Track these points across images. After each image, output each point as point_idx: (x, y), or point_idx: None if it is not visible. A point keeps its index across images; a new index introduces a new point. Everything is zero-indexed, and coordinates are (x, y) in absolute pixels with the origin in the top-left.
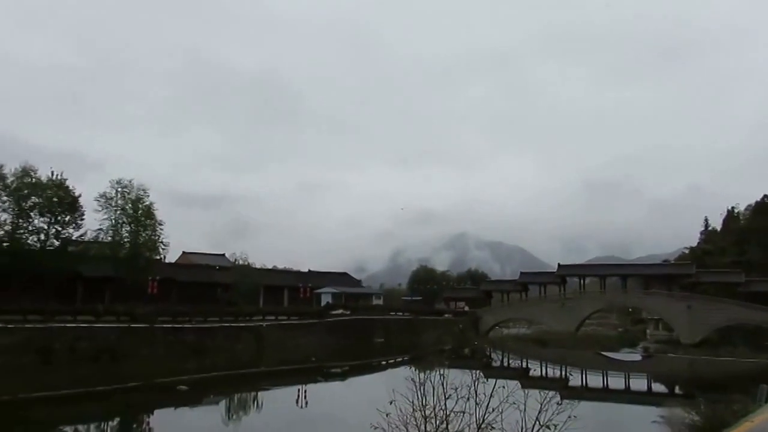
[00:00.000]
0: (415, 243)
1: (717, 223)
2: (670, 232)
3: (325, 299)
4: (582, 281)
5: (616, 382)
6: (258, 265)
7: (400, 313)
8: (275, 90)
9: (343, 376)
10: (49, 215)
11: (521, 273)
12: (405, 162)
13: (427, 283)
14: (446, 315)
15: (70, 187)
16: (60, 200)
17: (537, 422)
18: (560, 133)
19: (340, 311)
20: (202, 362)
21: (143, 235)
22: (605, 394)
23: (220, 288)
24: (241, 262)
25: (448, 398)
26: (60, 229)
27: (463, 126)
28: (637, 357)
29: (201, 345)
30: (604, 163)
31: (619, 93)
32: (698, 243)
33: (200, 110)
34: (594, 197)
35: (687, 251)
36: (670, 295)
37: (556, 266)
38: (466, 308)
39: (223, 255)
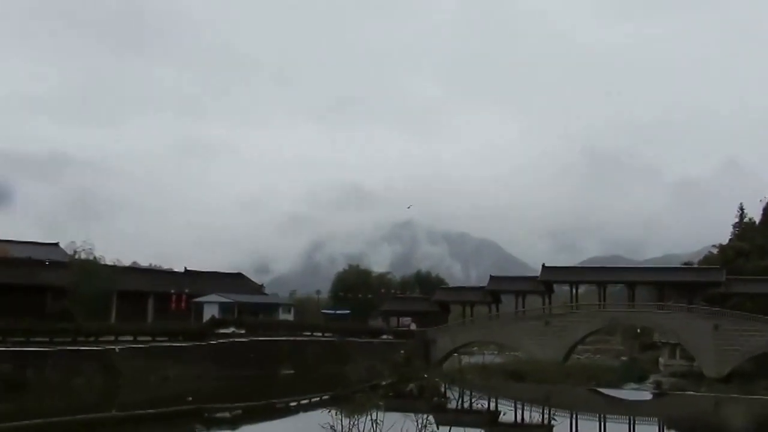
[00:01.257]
0: (341, 233)
1: (756, 213)
2: (694, 224)
3: (210, 312)
4: (574, 290)
5: (618, 430)
6: (110, 261)
7: (319, 334)
8: (139, 5)
9: (233, 425)
10: None
11: (491, 278)
12: (330, 118)
13: (358, 290)
14: (384, 336)
15: None
16: None
17: None
18: (551, 85)
19: (231, 330)
20: (20, 404)
21: None
22: None
23: (50, 293)
24: (83, 257)
25: None
26: None
27: (414, 68)
28: (647, 395)
29: (19, 378)
30: (609, 128)
31: (633, 29)
32: (730, 239)
33: (25, 33)
34: (594, 176)
35: (715, 251)
36: (692, 311)
37: (540, 269)
38: (413, 326)
39: (57, 245)
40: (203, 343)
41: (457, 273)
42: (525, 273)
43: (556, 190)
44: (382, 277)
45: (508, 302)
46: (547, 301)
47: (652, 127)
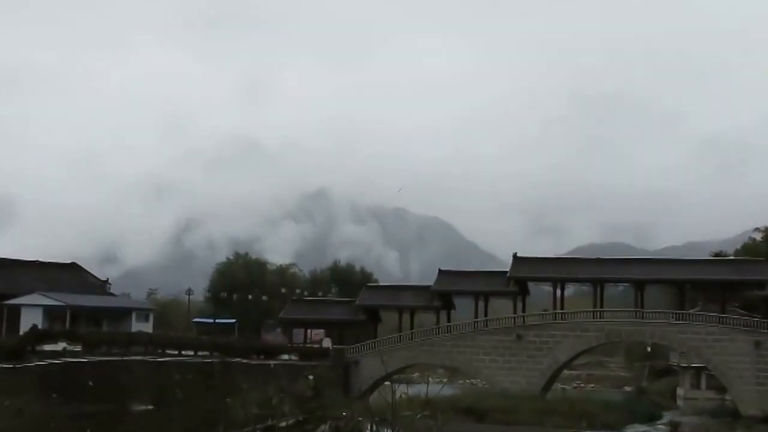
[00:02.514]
0: (224, 208)
1: None
2: (727, 200)
3: (30, 319)
4: (559, 291)
5: None
6: None
7: (191, 352)
8: None
9: None
10: None
11: (441, 273)
12: (210, 43)
13: (247, 290)
14: (286, 356)
15: None
16: None
17: None
18: (531, 5)
19: (62, 346)
20: None
21: None
22: None
23: None
24: None
25: None
26: None
27: None
28: None
29: None
30: (611, 63)
31: None
32: None
33: None
34: (589, 133)
35: (759, 237)
36: (725, 322)
37: (510, 261)
38: (328, 343)
39: None
40: (20, 365)
41: (393, 265)
42: (489, 266)
43: (536, 152)
44: (283, 271)
45: (463, 308)
46: (519, 306)
47: (667, 61)
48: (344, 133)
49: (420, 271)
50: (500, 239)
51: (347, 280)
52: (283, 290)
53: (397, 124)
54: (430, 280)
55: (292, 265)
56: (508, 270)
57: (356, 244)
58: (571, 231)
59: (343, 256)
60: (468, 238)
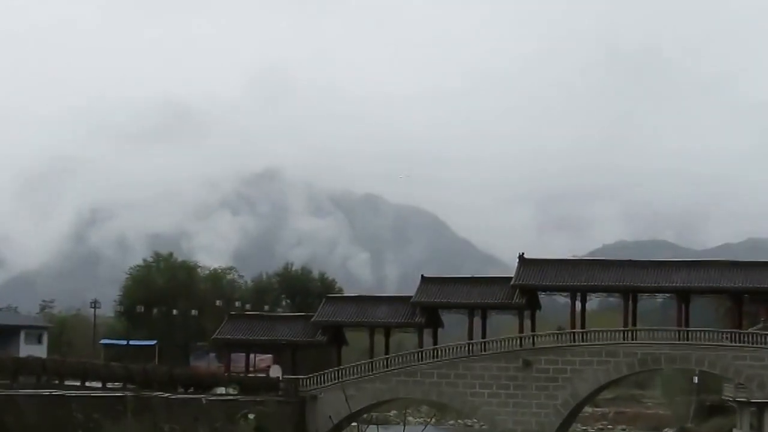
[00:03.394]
0: (139, 196)
1: None
2: None
3: None
4: (577, 303)
5: None
6: None
7: (98, 384)
8: None
9: None
10: None
11: (425, 280)
12: None
13: (171, 302)
14: (222, 389)
15: None
16: None
17: None
18: None
19: None
20: None
21: None
22: None
23: None
24: None
25: None
26: None
27: None
28: None
29: None
30: (645, 17)
31: None
32: None
33: None
34: (619, 101)
35: None
36: None
37: (515, 264)
38: (277, 371)
39: None
40: None
41: (362, 270)
42: (487, 271)
43: (550, 128)
44: (218, 277)
45: (454, 326)
46: (527, 323)
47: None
48: (299, 98)
49: (398, 278)
50: (502, 236)
51: (302, 289)
52: (219, 302)
53: (371, 89)
54: (411, 290)
55: (230, 269)
56: (512, 276)
57: (315, 242)
58: (593, 226)
59: (298, 258)
60: (460, 235)
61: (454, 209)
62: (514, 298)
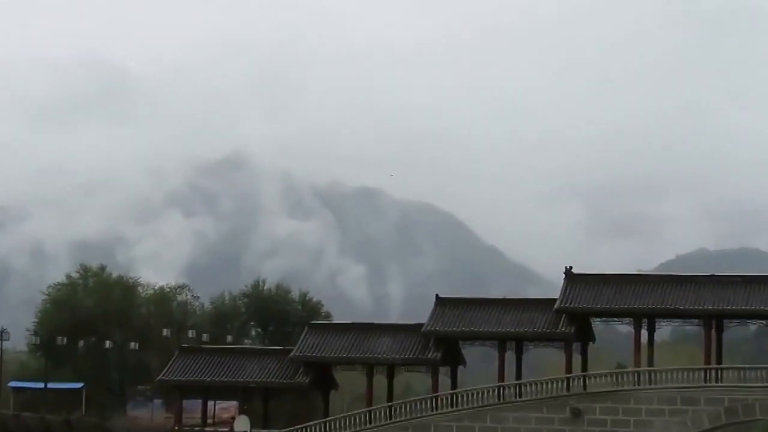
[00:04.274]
0: (60, 190)
1: None
2: None
3: None
4: (644, 332)
5: None
6: None
7: None
8: None
9: None
10: None
11: (440, 301)
12: None
13: (104, 331)
14: None
15: None
16: None
17: None
18: None
19: None
20: None
21: None
22: None
23: None
24: None
25: None
26: None
27: None
28: None
29: None
30: None
31: None
32: None
33: None
34: (699, 69)
35: None
36: None
37: (559, 281)
38: (244, 423)
39: None
40: None
41: (357, 288)
42: (522, 290)
43: (605, 104)
44: (165, 298)
45: (479, 363)
46: (576, 360)
47: None
48: (270, 61)
49: (404, 299)
50: (541, 244)
51: (278, 315)
52: (166, 332)
53: (365, 43)
54: (421, 315)
55: (182, 287)
56: (555, 297)
57: (294, 252)
58: (664, 230)
59: (272, 272)
60: (486, 241)
61: (477, 207)
62: (559, 326)
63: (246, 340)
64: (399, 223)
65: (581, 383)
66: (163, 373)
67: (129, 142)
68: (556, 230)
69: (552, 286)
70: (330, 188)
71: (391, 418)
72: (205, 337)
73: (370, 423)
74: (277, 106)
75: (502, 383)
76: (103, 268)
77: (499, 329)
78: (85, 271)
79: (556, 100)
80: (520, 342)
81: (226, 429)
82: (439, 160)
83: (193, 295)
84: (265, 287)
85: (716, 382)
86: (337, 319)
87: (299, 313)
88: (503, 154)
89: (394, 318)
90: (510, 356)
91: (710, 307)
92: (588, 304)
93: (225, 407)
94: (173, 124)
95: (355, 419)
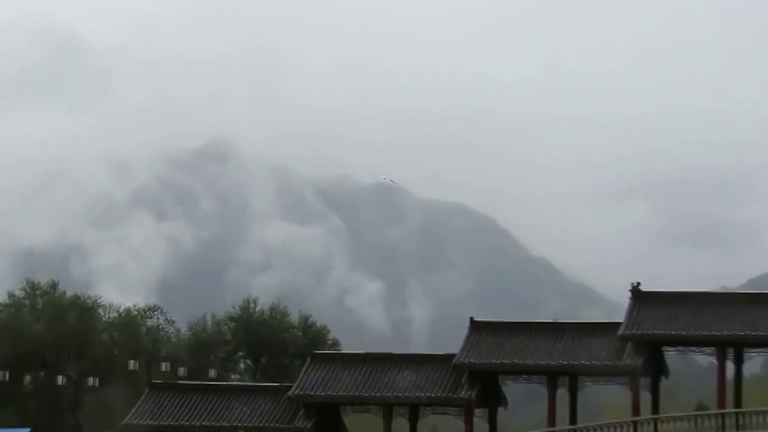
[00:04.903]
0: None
1: None
2: None
3: None
4: (730, 362)
5: None
6: None
7: None
8: None
9: None
10: None
11: (475, 325)
12: None
13: (54, 363)
14: None
15: None
16: None
17: None
18: None
19: None
20: None
21: None
22: None
23: None
24: None
25: None
26: None
27: None
28: None
29: None
30: None
31: None
32: None
33: None
34: None
35: None
36: None
37: (624, 300)
38: None
39: None
40: None
41: (373, 309)
42: (579, 311)
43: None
44: (131, 322)
45: (525, 404)
46: (646, 398)
47: None
48: (262, 26)
49: (430, 323)
50: (600, 254)
51: (272, 343)
52: (133, 364)
53: (383, 8)
54: (451, 343)
55: (153, 309)
56: (619, 321)
57: (293, 264)
58: (754, 239)
59: (265, 290)
60: (533, 252)
61: (520, 209)
62: (624, 356)
63: (233, 375)
64: (424, 229)
65: (652, 428)
66: (129, 416)
67: (86, 128)
68: (618, 237)
69: (615, 307)
70: (337, 185)
71: None
72: (181, 371)
73: None
74: (269, 81)
75: (554, 429)
76: (54, 285)
77: (549, 361)
78: (32, 288)
79: (616, 76)
80: (574, 377)
81: None
82: (473, 150)
83: (166, 319)
84: (257, 309)
85: None
86: (346, 349)
87: (299, 342)
88: (553, 143)
89: (417, 347)
90: (562, 394)
91: None
92: (660, 330)
93: None
94: (140, 106)
95: None
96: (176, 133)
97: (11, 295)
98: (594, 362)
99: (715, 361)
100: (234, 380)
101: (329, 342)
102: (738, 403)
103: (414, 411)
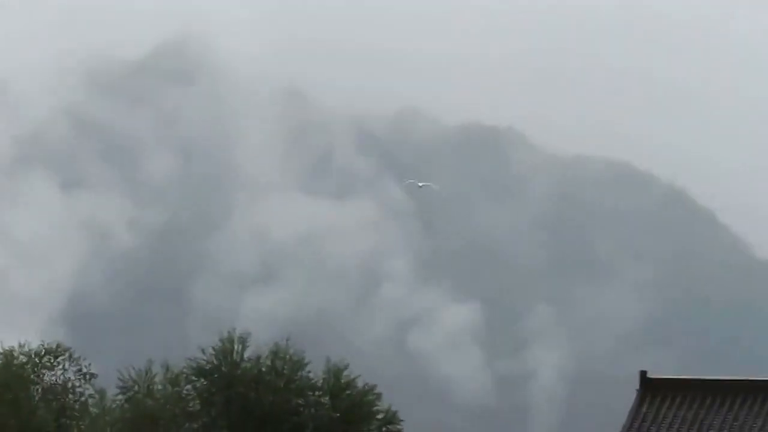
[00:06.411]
0: None
1: None
2: None
3: None
4: None
5: None
6: None
7: None
8: None
9: None
10: None
11: (647, 382)
12: None
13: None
14: None
15: None
16: None
17: None
18: None
19: None
20: None
21: None
22: None
23: None
24: None
25: None
26: None
27: None
28: None
29: None
30: None
31: None
32: None
33: None
34: None
35: None
36: None
37: None
38: None
39: None
40: None
41: (459, 353)
42: None
43: None
44: (12, 374)
45: None
46: None
47: None
48: None
49: (565, 376)
50: None
51: (275, 416)
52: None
53: None
54: (599, 412)
55: (54, 352)
56: None
57: (312, 268)
58: None
59: (262, 317)
60: (760, 254)
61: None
62: None
63: None
64: (556, 207)
65: None
66: None
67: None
68: None
69: None
70: (396, 127)
71: None
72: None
73: None
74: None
75: None
76: None
77: None
78: None
79: None
80: None
81: None
82: (634, 88)
83: (80, 371)
84: (247, 353)
85: None
86: (415, 429)
87: (326, 415)
88: None
89: (541, 421)
90: None
91: None
92: None
93: None
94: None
95: None
96: (106, 36)
97: None
98: None
99: None
100: None
101: (380, 416)
102: None
103: None
